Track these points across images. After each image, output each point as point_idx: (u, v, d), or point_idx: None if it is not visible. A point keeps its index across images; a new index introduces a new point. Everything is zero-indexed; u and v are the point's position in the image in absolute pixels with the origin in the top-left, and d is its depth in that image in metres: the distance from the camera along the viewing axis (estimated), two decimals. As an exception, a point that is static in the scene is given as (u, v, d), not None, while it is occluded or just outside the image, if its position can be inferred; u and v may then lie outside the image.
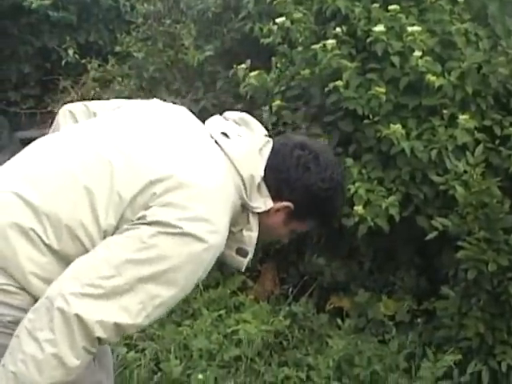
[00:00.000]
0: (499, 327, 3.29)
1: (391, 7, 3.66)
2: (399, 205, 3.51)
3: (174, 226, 1.78)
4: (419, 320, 3.67)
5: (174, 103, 4.82)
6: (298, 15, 3.91)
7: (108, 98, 5.02)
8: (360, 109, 3.58)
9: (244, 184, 1.96)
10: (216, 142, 1.99)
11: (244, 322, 3.77)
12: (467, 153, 3.49)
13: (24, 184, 1.87)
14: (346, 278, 4.02)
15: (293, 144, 2.05)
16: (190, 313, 3.94)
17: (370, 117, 3.58)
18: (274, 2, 4.01)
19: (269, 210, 2.02)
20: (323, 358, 3.55)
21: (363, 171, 3.61)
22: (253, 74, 4.01)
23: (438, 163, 3.52)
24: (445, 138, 3.49)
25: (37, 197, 1.84)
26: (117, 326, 1.76)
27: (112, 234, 1.84)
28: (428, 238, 3.40)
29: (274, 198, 2.02)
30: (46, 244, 1.82)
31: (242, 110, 4.63)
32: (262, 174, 1.99)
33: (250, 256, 2.05)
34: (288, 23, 3.90)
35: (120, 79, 5.54)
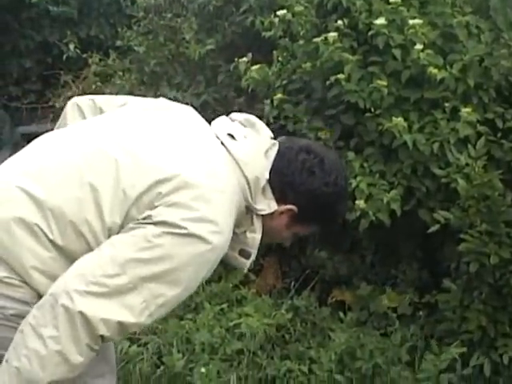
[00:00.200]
0: (501, 320, 3.29)
1: (392, 0, 3.65)
2: (401, 198, 3.51)
3: (180, 227, 1.78)
4: (421, 313, 3.68)
5: (176, 97, 4.83)
6: (299, 8, 3.91)
7: (109, 93, 5.03)
8: (362, 102, 3.57)
9: (249, 186, 1.96)
10: (222, 143, 1.99)
11: (246, 316, 3.77)
12: (469, 146, 3.49)
13: (29, 179, 1.86)
14: (348, 272, 4.02)
15: (298, 147, 2.05)
16: (193, 307, 3.95)
17: (372, 110, 3.57)
18: (276, -5, 4.02)
19: (273, 213, 2.02)
20: (325, 351, 3.55)
21: (365, 165, 3.61)
22: (254, 67, 4.01)
23: (439, 156, 3.51)
24: (447, 131, 3.49)
25: (41, 192, 1.84)
26: (120, 324, 1.77)
27: (117, 233, 1.84)
28: (430, 231, 3.40)
29: (279, 201, 2.02)
30: (50, 239, 1.82)
31: (243, 104, 4.66)
32: (268, 176, 1.99)
33: (253, 258, 2.06)
34: (289, 16, 3.90)
35: (121, 73, 5.54)
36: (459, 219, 3.32)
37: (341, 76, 3.56)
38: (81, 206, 1.83)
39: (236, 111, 4.73)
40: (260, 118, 4.35)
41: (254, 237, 2.02)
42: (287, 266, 4.27)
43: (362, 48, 3.73)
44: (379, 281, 3.93)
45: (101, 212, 1.82)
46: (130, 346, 3.66)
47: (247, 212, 2.00)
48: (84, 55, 5.85)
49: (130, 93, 4.87)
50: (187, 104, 4.53)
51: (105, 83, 5.67)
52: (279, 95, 3.88)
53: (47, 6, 6.48)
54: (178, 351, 3.62)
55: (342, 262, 4.04)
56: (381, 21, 3.56)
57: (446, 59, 3.66)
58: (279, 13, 3.92)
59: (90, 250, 1.83)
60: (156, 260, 1.78)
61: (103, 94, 4.60)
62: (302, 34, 3.89)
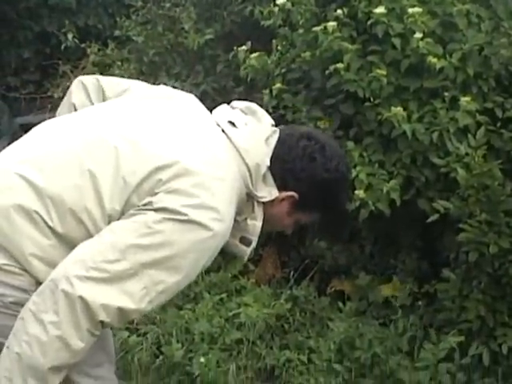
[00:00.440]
0: (500, 309, 3.29)
1: (392, -11, 3.64)
2: (400, 188, 3.50)
3: (180, 213, 1.79)
4: (420, 303, 3.68)
5: (174, 87, 4.81)
6: (298, -3, 3.90)
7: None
8: (361, 91, 3.56)
9: (250, 173, 1.96)
10: (223, 130, 1.99)
11: (245, 306, 3.78)
12: (469, 135, 3.48)
13: (28, 166, 1.87)
14: (347, 262, 4.03)
15: (299, 134, 2.06)
16: (192, 296, 3.95)
17: (371, 99, 3.56)
18: (275, -16, 3.99)
19: (273, 200, 2.02)
20: (324, 340, 3.56)
21: (364, 154, 3.60)
22: (253, 55, 4.00)
23: (439, 146, 3.50)
24: (446, 121, 3.48)
25: (41, 179, 1.84)
26: (120, 310, 1.77)
27: (117, 220, 1.84)
28: (429, 220, 3.39)
29: (279, 188, 2.02)
30: (49, 227, 1.83)
31: (242, 94, 4.65)
32: (268, 163, 2.00)
33: (254, 245, 2.06)
34: (289, 5, 3.88)
35: (120, 63, 5.53)
36: (459, 209, 3.32)
37: (340, 65, 3.55)
38: (80, 193, 1.83)
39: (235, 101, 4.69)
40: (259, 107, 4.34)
41: (255, 224, 2.02)
42: (286, 255, 4.27)
43: (362, 37, 3.72)
44: (378, 271, 3.93)
45: (100, 199, 1.83)
46: (129, 336, 3.67)
47: (248, 199, 2.00)
48: (82, 45, 5.84)
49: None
50: (186, 94, 4.48)
51: (103, 73, 5.65)
52: (278, 85, 3.87)
53: (45, -5, 6.48)
54: (178, 341, 3.62)
55: (342, 251, 4.04)
56: (380, 10, 3.54)
57: (446, 48, 3.64)
58: (278, 2, 3.90)
59: (90, 237, 1.83)
60: (156, 246, 1.78)
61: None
62: (301, 23, 3.87)
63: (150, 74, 5.18)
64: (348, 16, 3.72)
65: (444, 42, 3.68)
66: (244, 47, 4.07)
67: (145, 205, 1.81)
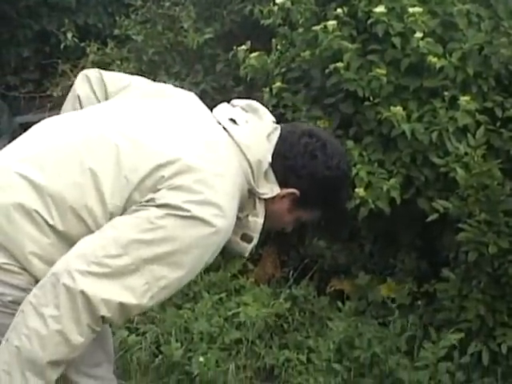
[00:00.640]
0: (499, 309, 3.29)
1: (392, -12, 3.64)
2: (400, 187, 3.50)
3: (183, 209, 1.79)
4: (420, 302, 3.68)
5: (174, 86, 4.80)
6: (298, -4, 3.89)
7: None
8: (361, 90, 3.56)
9: (251, 169, 1.97)
10: (224, 128, 2.00)
11: (245, 305, 3.78)
12: (468, 135, 3.47)
13: (28, 165, 1.87)
14: (346, 261, 4.02)
15: (301, 131, 2.07)
16: (191, 296, 3.95)
17: (371, 99, 3.56)
18: (274, -17, 3.99)
19: (274, 197, 2.03)
20: (324, 340, 3.56)
21: (364, 153, 3.60)
22: (253, 55, 3.99)
23: (438, 145, 3.50)
24: (446, 120, 3.47)
25: (41, 178, 1.84)
26: (121, 305, 1.77)
27: (120, 215, 1.84)
28: (429, 220, 3.39)
29: (281, 185, 2.03)
30: (50, 225, 1.83)
31: (242, 93, 4.64)
32: (270, 159, 2.00)
33: (255, 242, 2.07)
34: (288, 4, 3.87)
35: (119, 62, 5.52)
36: (458, 208, 3.32)
37: (340, 64, 3.54)
38: (81, 191, 1.83)
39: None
40: (259, 106, 4.32)
41: (256, 221, 2.03)
42: (286, 255, 4.27)
43: (362, 36, 3.72)
44: (378, 270, 3.93)
45: (102, 197, 1.83)
46: (128, 335, 3.66)
47: (250, 196, 2.01)
48: (82, 44, 5.83)
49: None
50: (186, 93, 4.47)
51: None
52: (278, 83, 3.86)
53: (45, -6, 6.47)
54: (177, 340, 3.62)
55: (341, 251, 4.04)
56: (380, 9, 3.54)
57: (446, 48, 3.64)
58: (278, 1, 3.89)
59: (91, 234, 1.83)
60: (158, 241, 1.78)
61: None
62: (301, 22, 3.87)
63: (149, 73, 5.17)
64: (348, 15, 3.71)
65: (444, 41, 3.68)
66: (244, 47, 4.06)
67: (147, 201, 1.82)
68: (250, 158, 1.96)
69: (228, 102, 2.15)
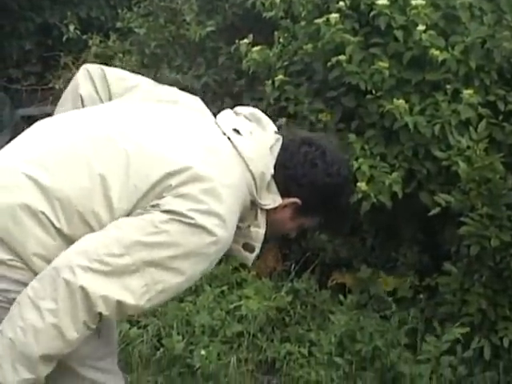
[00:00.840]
0: (501, 303, 3.29)
1: (394, -19, 3.62)
2: (402, 181, 3.49)
3: (187, 216, 1.81)
4: (421, 296, 3.67)
5: (176, 79, 4.78)
6: (300, -12, 3.88)
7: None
8: (363, 84, 3.55)
9: (255, 181, 1.98)
10: (228, 138, 2.00)
11: (246, 298, 3.78)
12: (470, 128, 3.47)
13: (35, 166, 1.86)
14: (348, 255, 4.02)
15: (300, 140, 2.08)
16: (193, 289, 3.95)
17: (373, 92, 3.55)
18: (276, -25, 3.98)
19: (276, 207, 2.04)
20: (325, 333, 3.56)
21: (366, 147, 3.59)
22: (255, 49, 3.98)
23: (441, 139, 3.49)
24: (448, 114, 3.46)
25: (49, 180, 1.84)
26: (119, 304, 1.77)
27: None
28: (431, 214, 3.39)
29: (282, 194, 2.04)
30: (56, 228, 1.83)
31: (244, 86, 4.63)
32: (272, 171, 2.02)
33: (257, 251, 2.08)
34: (290, -4, 3.87)
35: (121, 55, 5.51)
36: (460, 202, 3.31)
37: (342, 57, 3.54)
38: (89, 196, 1.84)
39: (237, 93, 4.71)
40: (261, 99, 4.34)
41: (258, 231, 2.04)
42: (287, 248, 4.26)
43: (364, 29, 3.71)
44: (379, 264, 3.93)
45: (109, 203, 1.84)
46: (129, 329, 3.67)
47: (252, 207, 2.02)
48: (84, 37, 5.82)
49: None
50: (187, 87, 4.51)
51: (105, 65, 5.64)
52: (280, 77, 3.85)
53: (47, -13, 6.46)
54: (178, 333, 3.62)
55: (343, 244, 4.03)
56: (383, 1, 3.52)
57: (448, 41, 3.63)
58: (280, -6, 3.89)
59: None
60: (161, 245, 1.80)
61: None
62: (303, 15, 3.86)
63: (151, 66, 5.17)
64: (350, 8, 3.70)
65: (446, 34, 3.67)
66: (246, 40, 4.06)
67: (152, 206, 1.83)
68: (253, 170, 1.97)
69: (232, 107, 2.15)
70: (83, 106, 2.13)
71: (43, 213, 1.81)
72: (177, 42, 5.09)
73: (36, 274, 1.82)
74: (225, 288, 3.92)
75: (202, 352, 3.46)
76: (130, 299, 1.78)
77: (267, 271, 4.15)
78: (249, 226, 2.03)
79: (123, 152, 1.87)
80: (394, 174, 3.48)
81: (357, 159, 3.50)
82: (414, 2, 3.54)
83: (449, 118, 3.46)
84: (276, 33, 4.09)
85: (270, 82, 3.88)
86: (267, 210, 2.03)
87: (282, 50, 4.02)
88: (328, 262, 4.06)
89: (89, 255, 1.76)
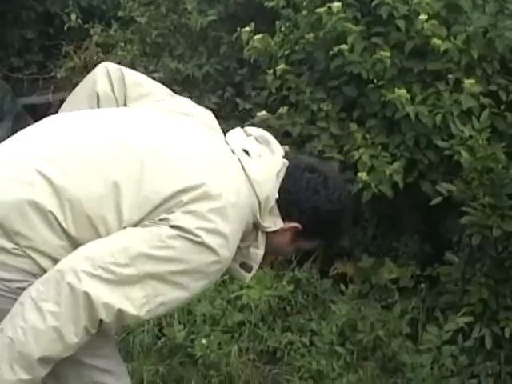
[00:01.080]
0: (503, 293, 3.29)
1: (397, -30, 3.61)
2: (403, 170, 3.49)
3: (194, 234, 1.82)
4: (423, 286, 3.67)
5: (177, 68, 4.75)
6: (302, -22, 3.87)
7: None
8: (364, 73, 3.55)
9: (259, 204, 2.00)
10: (238, 158, 2.02)
11: (247, 288, 3.77)
12: (472, 118, 3.46)
13: (49, 165, 1.85)
14: (349, 244, 4.01)
15: (304, 166, 2.10)
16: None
17: (375, 81, 3.55)
18: (278, -36, 3.97)
19: (277, 229, 2.06)
20: (326, 323, 3.56)
21: (367, 136, 3.59)
22: (257, 37, 3.98)
23: (442, 128, 3.49)
24: (450, 103, 3.46)
25: (61, 180, 1.83)
26: (120, 312, 1.79)
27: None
28: (432, 203, 3.38)
29: (284, 218, 2.06)
30: (63, 228, 1.82)
31: (245, 75, 4.61)
32: (277, 196, 2.03)
33: (254, 272, 2.11)
34: (292, -14, 3.86)
35: (123, 44, 5.49)
36: (462, 192, 3.31)
37: (344, 47, 3.54)
38: (100, 202, 1.84)
39: (238, 82, 4.68)
40: (262, 88, 4.32)
41: (257, 252, 2.07)
42: (289, 238, 4.26)
43: (366, 18, 3.70)
44: (381, 253, 3.92)
45: (120, 211, 1.84)
46: (131, 318, 3.66)
47: (253, 228, 2.04)
48: (86, 26, 5.81)
49: (132, 64, 4.84)
50: (189, 76, 4.49)
51: (106, 54, 5.63)
52: (282, 66, 3.85)
53: (49, -25, 6.43)
54: (179, 323, 3.62)
55: (344, 234, 4.03)
56: (385, -9, 3.52)
57: (450, 30, 3.63)
58: (282, -17, 3.88)
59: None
60: (166, 260, 1.82)
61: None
62: (305, 4, 3.85)
63: (153, 54, 5.16)
64: (352, -3, 3.70)
65: (448, 24, 3.66)
66: (247, 28, 4.05)
67: (161, 220, 1.84)
68: (259, 193, 1.98)
69: (242, 127, 2.17)
70: (98, 105, 2.13)
71: (51, 212, 1.81)
72: (178, 30, 5.08)
73: (39, 266, 1.82)
74: (226, 277, 3.91)
75: (203, 341, 3.46)
76: (131, 309, 1.80)
77: (268, 261, 4.15)
78: (248, 246, 2.06)
79: (138, 161, 1.87)
80: (395, 164, 3.48)
81: (358, 149, 3.50)
82: (416, -9, 3.53)
83: (450, 107, 3.45)
84: (278, 22, 4.08)
85: (271, 71, 3.87)
86: (267, 232, 2.06)
87: (284, 39, 4.01)
88: (329, 252, 4.06)
89: (95, 262, 1.77)
